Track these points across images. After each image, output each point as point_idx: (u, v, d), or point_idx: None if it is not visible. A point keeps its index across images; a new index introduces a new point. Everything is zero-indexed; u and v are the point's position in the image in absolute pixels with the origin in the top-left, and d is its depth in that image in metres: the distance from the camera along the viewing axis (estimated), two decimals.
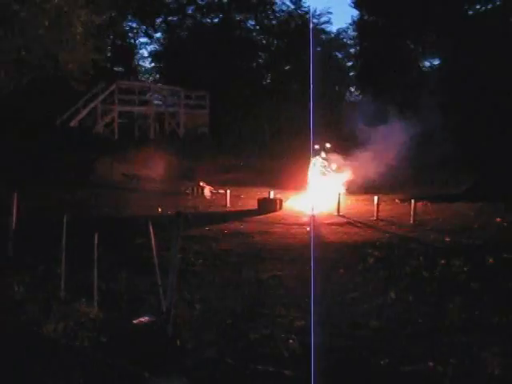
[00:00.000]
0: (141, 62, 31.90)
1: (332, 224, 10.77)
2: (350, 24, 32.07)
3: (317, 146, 13.21)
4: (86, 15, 14.71)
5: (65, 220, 6.12)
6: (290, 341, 5.08)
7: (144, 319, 5.50)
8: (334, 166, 13.63)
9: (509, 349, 5.02)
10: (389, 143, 15.01)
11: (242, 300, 6.27)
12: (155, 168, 16.42)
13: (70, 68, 15.34)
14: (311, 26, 31.32)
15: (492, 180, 14.35)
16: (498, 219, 10.82)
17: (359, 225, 10.73)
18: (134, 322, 5.47)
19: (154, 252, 5.60)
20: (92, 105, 21.26)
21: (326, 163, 13.35)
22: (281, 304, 6.15)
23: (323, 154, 13.38)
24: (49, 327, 5.18)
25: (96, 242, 5.87)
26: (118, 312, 5.77)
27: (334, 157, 13.74)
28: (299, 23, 32.07)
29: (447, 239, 9.30)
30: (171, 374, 4.36)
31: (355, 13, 30.94)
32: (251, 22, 31.92)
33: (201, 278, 7.07)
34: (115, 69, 28.00)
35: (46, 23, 14.08)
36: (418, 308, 6.07)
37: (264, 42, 33.22)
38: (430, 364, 4.76)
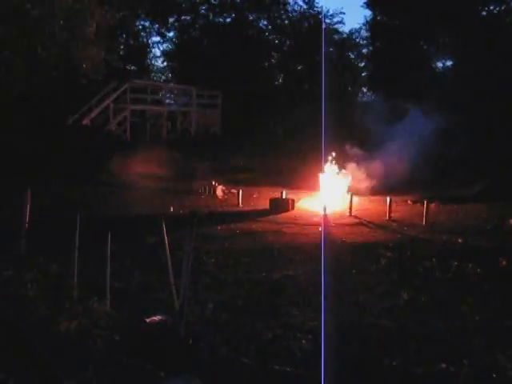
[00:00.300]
0: (153, 61, 32.01)
1: (344, 224, 10.76)
2: (363, 24, 31.98)
3: (333, 153, 13.19)
4: (99, 14, 14.78)
5: (78, 219, 6.15)
6: (303, 341, 5.08)
7: (157, 318, 5.51)
8: (346, 167, 13.64)
9: None
10: (400, 144, 15.01)
11: (255, 300, 6.28)
12: (168, 167, 16.45)
13: (83, 67, 15.41)
14: (324, 26, 31.27)
15: (505, 181, 14.27)
16: (511, 221, 10.76)
17: (371, 225, 10.71)
18: (147, 320, 5.49)
19: (168, 251, 5.60)
20: (104, 103, 21.33)
21: (338, 165, 13.35)
22: (293, 304, 6.16)
23: (335, 157, 13.36)
24: (62, 325, 5.21)
25: (109, 240, 5.88)
26: (130, 311, 5.79)
27: (347, 158, 13.75)
28: (312, 23, 32.06)
29: (460, 240, 9.26)
30: (184, 374, 4.37)
31: (368, 13, 30.85)
32: (264, 22, 31.92)
33: (213, 278, 7.09)
34: (128, 68, 28.06)
35: (61, 22, 14.16)
36: (430, 309, 6.06)
37: (276, 41, 33.22)
38: (443, 365, 4.74)
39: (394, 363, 4.79)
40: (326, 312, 5.87)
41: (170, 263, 5.64)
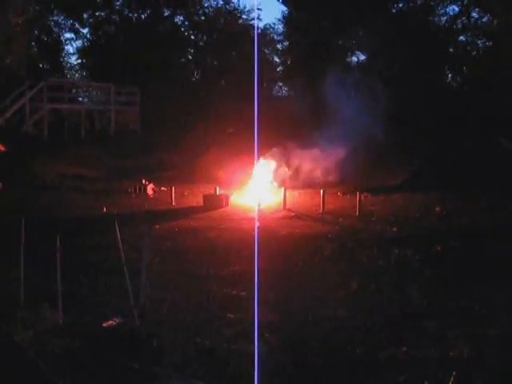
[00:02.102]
0: (66, 59, 30.91)
1: (280, 218, 10.90)
2: (279, 20, 32.38)
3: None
4: (17, 7, 14.04)
5: (23, 222, 5.87)
6: (267, 335, 5.12)
7: (114, 321, 5.39)
8: (275, 163, 13.80)
9: (473, 331, 5.26)
10: (325, 139, 15.32)
11: (208, 296, 6.25)
12: (91, 166, 16.03)
13: (6, 62, 14.60)
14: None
15: (425, 171, 14.91)
16: (437, 208, 11.26)
17: (307, 218, 10.90)
18: (104, 325, 5.35)
19: (122, 251, 5.47)
20: (20, 103, 20.43)
21: (269, 160, 13.49)
22: (245, 299, 6.16)
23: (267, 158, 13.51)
24: (17, 336, 4.98)
25: (58, 243, 5.67)
26: (84, 316, 5.61)
27: (276, 153, 13.91)
28: (228, 19, 32.14)
29: (394, 229, 9.60)
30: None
31: (284, 8, 31.30)
32: (180, 18, 31.65)
33: (161, 277, 6.96)
34: (41, 65, 27.02)
35: None
36: (380, 296, 6.25)
37: (192, 37, 33.04)
38: (404, 349, 4.93)
39: (358, 350, 4.92)
40: (280, 305, 5.97)
41: (125, 264, 5.50)
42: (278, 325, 5.43)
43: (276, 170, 13.66)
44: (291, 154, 14.45)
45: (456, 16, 27.92)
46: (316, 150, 14.54)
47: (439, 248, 8.20)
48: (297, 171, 14.32)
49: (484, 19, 27.24)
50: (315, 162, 14.44)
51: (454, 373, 4.26)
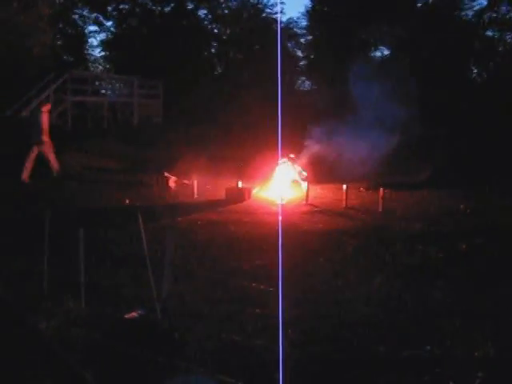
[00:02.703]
0: (91, 52, 31.19)
1: (303, 213, 10.83)
2: (303, 14, 32.29)
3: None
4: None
5: (47, 215, 5.91)
6: (289, 330, 5.08)
7: (136, 313, 5.40)
8: (299, 156, 13.75)
9: (499, 331, 5.18)
10: (349, 133, 15.19)
11: (230, 290, 6.23)
12: (114, 159, 16.11)
13: (34, 53, 14.73)
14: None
15: (449, 168, 14.74)
16: (462, 206, 11.11)
17: (329, 213, 10.82)
18: (126, 316, 5.36)
19: (145, 244, 5.46)
20: (44, 94, 20.60)
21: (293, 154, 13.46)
22: (268, 294, 6.13)
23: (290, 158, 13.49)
24: (40, 326, 5.01)
25: (81, 235, 5.69)
26: (106, 307, 5.63)
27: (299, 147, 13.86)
28: (251, 13, 32.10)
29: (418, 226, 9.49)
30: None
31: (308, 3, 31.18)
32: (203, 11, 31.68)
33: (184, 270, 6.96)
34: (65, 58, 27.25)
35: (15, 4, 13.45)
36: (404, 294, 6.17)
37: (216, 31, 33.06)
38: (428, 348, 4.86)
39: (381, 349, 4.86)
40: (303, 301, 5.93)
41: (148, 257, 5.50)
42: (302, 320, 5.39)
43: (299, 167, 13.59)
44: (314, 149, 14.34)
45: (483, 10, 27.50)
46: (339, 144, 14.41)
47: (464, 246, 8.07)
48: (320, 166, 14.22)
49: None
50: (339, 156, 14.32)
51: (479, 373, 4.19)
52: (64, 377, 4.20)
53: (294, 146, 14.38)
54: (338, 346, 4.94)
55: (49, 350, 4.50)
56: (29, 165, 13.96)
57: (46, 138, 14.19)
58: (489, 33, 28.27)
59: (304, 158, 14.20)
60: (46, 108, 14.78)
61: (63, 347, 4.64)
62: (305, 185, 12.01)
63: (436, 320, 5.49)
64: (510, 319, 5.48)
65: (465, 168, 14.39)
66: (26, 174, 13.93)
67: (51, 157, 14.41)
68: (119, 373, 4.28)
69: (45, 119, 14.33)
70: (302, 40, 33.94)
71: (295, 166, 13.49)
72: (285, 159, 13.40)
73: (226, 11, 32.06)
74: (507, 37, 27.83)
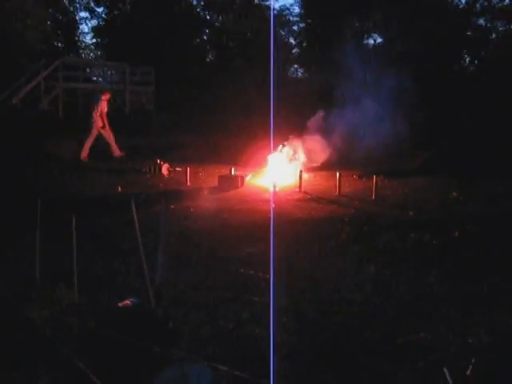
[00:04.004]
0: (82, 38, 30.91)
1: (296, 200, 10.81)
2: (296, 1, 32.11)
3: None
4: None
5: (39, 202, 5.84)
6: (284, 319, 5.07)
7: (129, 301, 5.36)
8: (292, 144, 13.71)
9: (493, 318, 5.19)
10: (342, 121, 15.16)
11: (223, 277, 6.22)
12: (104, 146, 16.02)
13: (28, 38, 14.54)
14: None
15: (442, 155, 14.74)
16: (455, 193, 11.12)
17: (323, 201, 10.80)
18: (120, 305, 5.33)
19: (138, 232, 5.41)
20: (35, 81, 20.41)
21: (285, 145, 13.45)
22: (261, 281, 6.11)
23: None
24: (33, 314, 4.97)
25: (74, 222, 5.63)
26: (99, 296, 5.60)
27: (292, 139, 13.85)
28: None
29: (411, 213, 9.49)
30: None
31: None
32: None
33: (177, 258, 6.93)
34: (56, 44, 26.99)
35: None
36: (398, 281, 6.18)
37: (208, 18, 32.84)
38: (422, 334, 4.87)
39: (377, 335, 4.87)
40: (296, 288, 5.92)
41: (141, 244, 5.45)
42: (295, 308, 5.38)
43: (292, 154, 13.57)
44: (307, 137, 14.30)
45: None
46: (332, 132, 14.40)
47: (457, 233, 8.08)
48: (312, 153, 14.18)
49: (506, 1, 26.80)
50: (331, 144, 14.30)
51: (473, 359, 4.19)
52: (57, 365, 4.17)
53: (287, 133, 14.33)
54: (332, 333, 4.94)
55: (41, 339, 4.46)
56: (87, 146, 15.64)
57: (104, 123, 15.84)
58: (481, 21, 28.26)
59: (299, 145, 14.16)
60: (105, 96, 16.14)
61: (56, 336, 4.61)
62: (298, 172, 11.94)
63: (429, 307, 5.50)
64: (504, 305, 5.49)
65: (457, 155, 14.38)
66: (84, 154, 15.56)
67: (111, 140, 16.00)
68: (112, 361, 4.25)
69: (103, 106, 15.89)
70: (295, 27, 33.83)
71: (290, 151, 13.45)
72: (281, 145, 13.37)
73: None
74: (499, 25, 27.84)
